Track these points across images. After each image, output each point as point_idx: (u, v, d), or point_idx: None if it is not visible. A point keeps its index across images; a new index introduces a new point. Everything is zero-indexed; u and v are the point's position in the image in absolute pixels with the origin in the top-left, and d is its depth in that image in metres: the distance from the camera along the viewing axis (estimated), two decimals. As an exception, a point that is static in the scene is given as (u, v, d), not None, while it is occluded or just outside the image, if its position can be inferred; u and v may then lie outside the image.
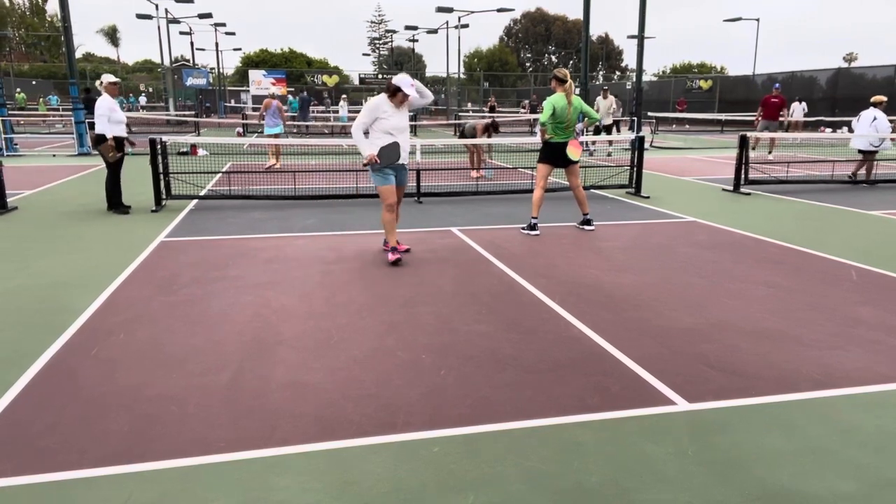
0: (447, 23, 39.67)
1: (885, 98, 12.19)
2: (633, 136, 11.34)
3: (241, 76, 56.23)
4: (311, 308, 4.73)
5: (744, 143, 10.70)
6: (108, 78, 8.55)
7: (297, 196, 9.74)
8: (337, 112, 30.01)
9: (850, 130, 13.37)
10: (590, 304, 4.81)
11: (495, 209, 9.16)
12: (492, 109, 20.43)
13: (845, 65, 48.00)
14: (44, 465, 2.68)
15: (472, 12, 36.72)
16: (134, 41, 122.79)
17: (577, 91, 15.42)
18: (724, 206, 9.51)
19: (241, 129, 25.08)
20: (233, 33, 46.22)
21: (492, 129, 12.37)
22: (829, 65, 37.05)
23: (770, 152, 17.13)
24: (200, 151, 16.39)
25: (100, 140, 8.40)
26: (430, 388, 3.42)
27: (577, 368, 3.67)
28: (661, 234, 7.40)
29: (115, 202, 8.65)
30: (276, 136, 14.57)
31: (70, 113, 18.53)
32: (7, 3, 70.29)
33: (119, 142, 8.50)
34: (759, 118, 17.46)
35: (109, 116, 8.34)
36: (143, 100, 47.08)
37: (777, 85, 18.89)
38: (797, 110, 25.17)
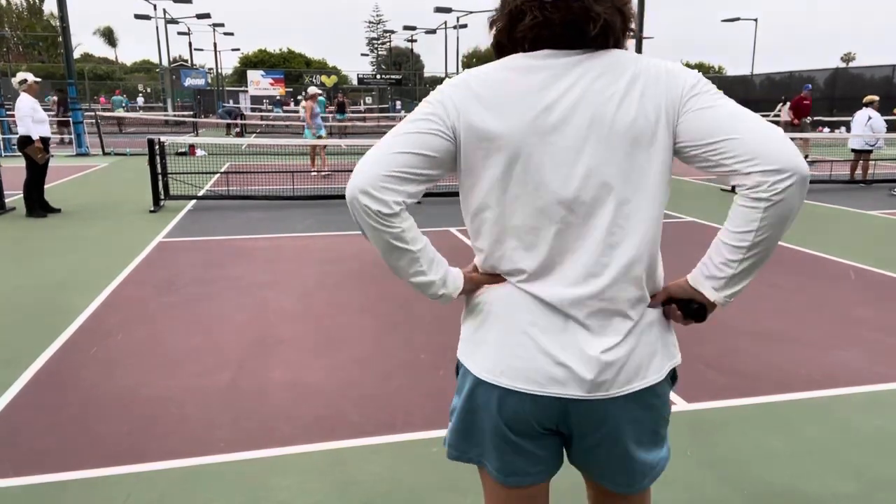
0: (445, 23, 39.73)
1: (876, 97, 12.26)
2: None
3: (240, 76, 56.23)
4: (310, 308, 4.72)
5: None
6: (31, 77, 8.40)
7: (295, 196, 9.73)
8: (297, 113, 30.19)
9: (849, 131, 13.36)
10: (589, 304, 4.80)
11: (494, 209, 9.15)
12: None
13: (843, 65, 48.07)
14: (43, 465, 2.67)
15: (471, 12, 36.72)
16: (132, 41, 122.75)
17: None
18: (723, 207, 9.45)
19: (238, 129, 25.05)
20: (231, 33, 46.21)
21: None
22: (828, 65, 37.13)
23: (807, 156, 16.86)
24: (199, 152, 16.37)
25: (26, 142, 8.21)
26: (429, 389, 3.42)
27: (576, 368, 3.67)
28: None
29: (40, 204, 8.45)
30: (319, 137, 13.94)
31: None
32: (3, 3, 70.20)
33: (45, 141, 8.34)
34: (794, 121, 16.43)
35: (33, 117, 8.17)
36: (140, 100, 47.10)
37: (808, 86, 17.64)
38: (784, 111, 25.27)
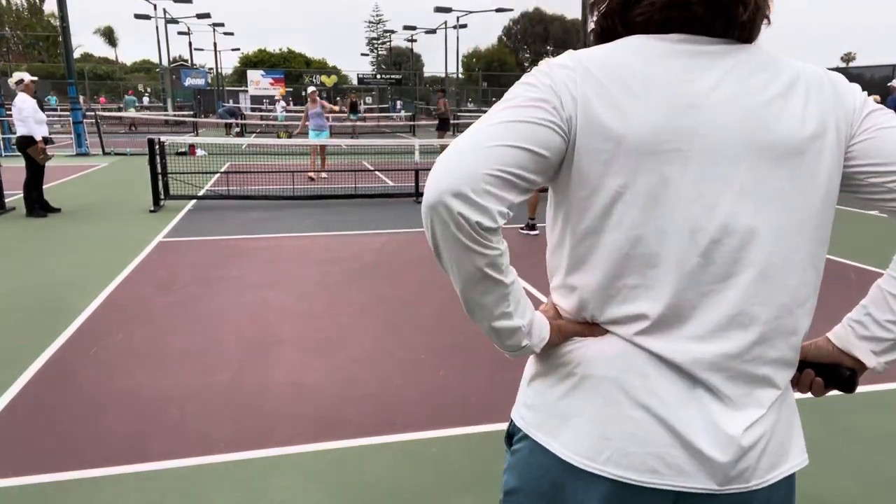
0: (445, 23, 39.71)
1: (878, 98, 12.31)
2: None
3: (240, 76, 56.23)
4: (310, 308, 4.72)
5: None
6: (28, 77, 8.40)
7: (295, 196, 9.73)
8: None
9: None
10: (589, 304, 4.81)
11: (494, 209, 9.15)
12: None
13: (843, 65, 48.10)
14: (43, 465, 2.67)
15: (471, 12, 36.74)
16: (132, 41, 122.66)
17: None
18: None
19: (238, 129, 25.05)
20: (231, 33, 46.26)
21: None
22: (828, 64, 37.11)
23: None
24: (199, 152, 16.37)
25: (27, 142, 8.20)
26: (429, 388, 3.42)
27: (576, 368, 3.67)
28: (659, 234, 7.39)
29: (40, 204, 8.47)
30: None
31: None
32: (3, 3, 70.23)
33: (45, 142, 8.34)
34: None
35: (35, 117, 8.17)
36: (146, 100, 47.26)
37: None
38: None
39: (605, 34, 1.00)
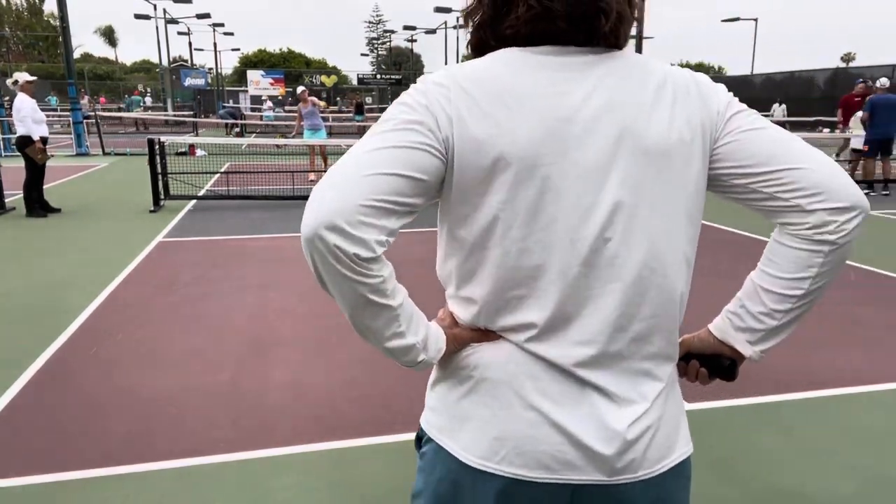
0: (445, 23, 39.73)
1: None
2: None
3: (240, 76, 56.24)
4: (310, 308, 4.72)
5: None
6: (25, 76, 8.41)
7: (295, 196, 9.73)
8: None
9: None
10: (589, 304, 4.81)
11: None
12: None
13: (843, 65, 48.12)
14: (43, 465, 2.67)
15: (471, 12, 36.71)
16: (132, 41, 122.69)
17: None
18: (722, 206, 9.45)
19: (238, 129, 25.05)
20: (231, 33, 46.20)
21: None
22: (828, 65, 37.15)
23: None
24: (199, 152, 16.36)
25: (26, 142, 8.21)
26: (429, 388, 3.42)
27: (576, 368, 3.67)
28: (659, 234, 7.39)
29: (40, 204, 8.48)
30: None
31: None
32: (3, 3, 70.23)
33: (44, 141, 8.35)
34: (843, 123, 13.11)
35: (33, 117, 8.19)
36: (148, 100, 47.29)
37: (860, 80, 14.40)
38: (777, 112, 25.31)
39: (480, 47, 1.01)
